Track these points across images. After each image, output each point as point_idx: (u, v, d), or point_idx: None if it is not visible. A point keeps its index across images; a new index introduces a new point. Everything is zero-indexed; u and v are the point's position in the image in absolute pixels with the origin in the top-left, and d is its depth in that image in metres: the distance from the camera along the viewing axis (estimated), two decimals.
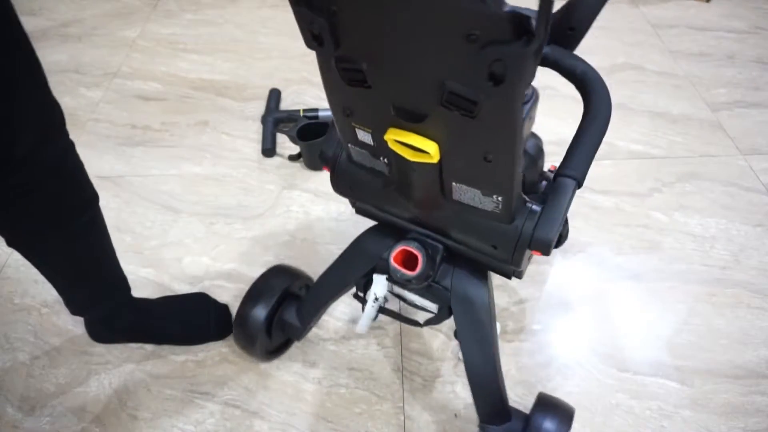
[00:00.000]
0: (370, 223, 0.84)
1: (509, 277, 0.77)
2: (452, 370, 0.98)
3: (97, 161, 1.39)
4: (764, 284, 1.10)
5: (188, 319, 1.02)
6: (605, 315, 1.05)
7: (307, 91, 1.60)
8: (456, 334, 0.82)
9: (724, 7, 1.87)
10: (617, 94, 1.54)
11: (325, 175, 1.35)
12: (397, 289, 0.84)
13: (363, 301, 0.85)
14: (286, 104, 1.56)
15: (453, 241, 0.74)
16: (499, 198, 0.61)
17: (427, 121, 0.55)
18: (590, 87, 0.66)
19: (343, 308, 1.07)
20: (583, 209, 1.25)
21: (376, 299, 0.82)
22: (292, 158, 1.38)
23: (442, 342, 1.02)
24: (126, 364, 1.00)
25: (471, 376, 0.81)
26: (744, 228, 1.20)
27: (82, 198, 0.81)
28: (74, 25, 1.89)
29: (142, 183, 1.34)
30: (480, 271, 0.78)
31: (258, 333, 0.89)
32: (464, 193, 0.63)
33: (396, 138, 0.57)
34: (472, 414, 0.92)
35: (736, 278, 1.11)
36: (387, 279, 0.81)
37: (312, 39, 0.52)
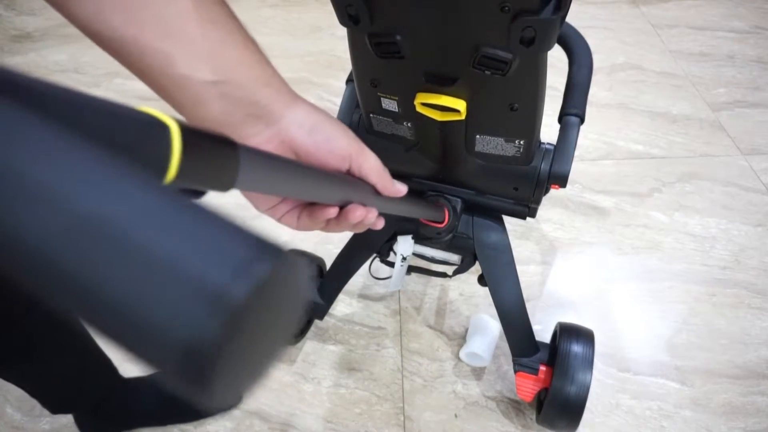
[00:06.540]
0: None
1: (524, 218, 0.82)
2: (452, 370, 0.98)
3: None
4: (764, 284, 1.10)
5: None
6: (605, 315, 1.05)
7: (308, 90, 1.60)
8: (481, 281, 0.87)
9: (724, 7, 1.87)
10: (617, 95, 1.54)
11: None
12: (419, 249, 0.89)
13: (391, 264, 0.91)
14: None
15: (473, 191, 0.80)
16: (522, 142, 0.67)
17: (457, 83, 0.59)
18: (571, 39, 0.75)
19: (343, 308, 1.07)
20: (583, 209, 1.24)
21: (404, 258, 0.87)
22: None
23: (442, 342, 1.02)
24: (126, 364, 1.00)
25: (503, 315, 0.85)
26: (744, 228, 1.20)
27: None
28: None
29: None
30: (496, 217, 0.84)
31: None
32: (487, 144, 0.68)
33: (425, 101, 0.62)
34: (472, 414, 0.92)
35: (737, 278, 1.11)
36: (411, 238, 0.85)
37: (348, 19, 0.55)
